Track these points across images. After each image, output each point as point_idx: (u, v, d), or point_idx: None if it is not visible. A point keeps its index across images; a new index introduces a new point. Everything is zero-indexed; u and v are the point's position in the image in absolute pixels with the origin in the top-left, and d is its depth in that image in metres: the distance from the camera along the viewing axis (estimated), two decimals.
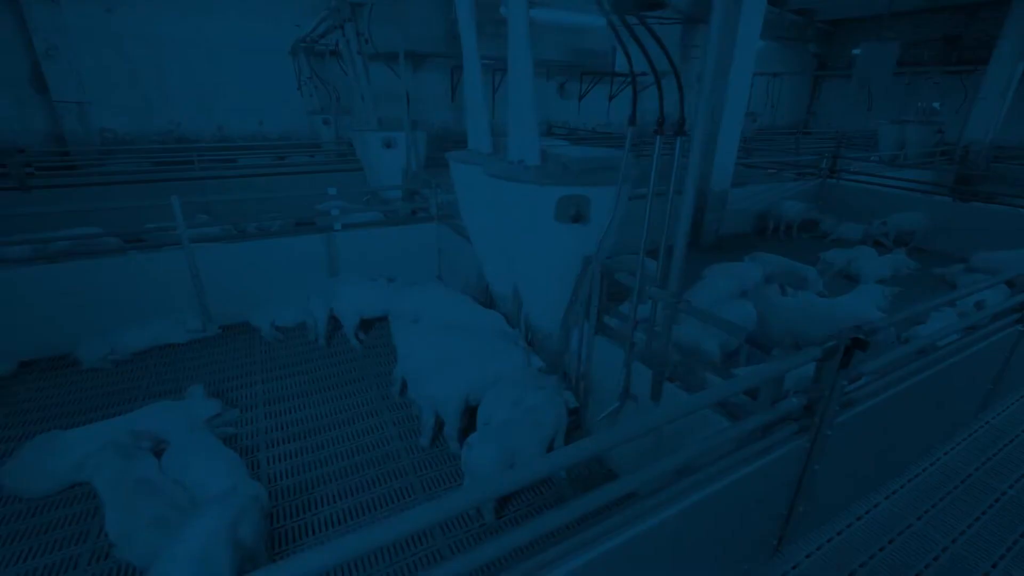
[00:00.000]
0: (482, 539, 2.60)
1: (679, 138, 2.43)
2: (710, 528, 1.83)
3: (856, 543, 2.32)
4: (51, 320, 4.15)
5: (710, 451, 1.75)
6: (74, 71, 9.48)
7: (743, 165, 10.01)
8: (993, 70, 10.16)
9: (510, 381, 3.07)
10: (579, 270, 3.17)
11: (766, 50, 18.34)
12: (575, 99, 15.80)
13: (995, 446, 3.18)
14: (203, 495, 2.63)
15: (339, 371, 4.17)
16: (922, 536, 2.38)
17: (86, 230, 4.79)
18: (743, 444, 1.91)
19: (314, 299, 4.49)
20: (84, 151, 9.27)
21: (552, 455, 1.39)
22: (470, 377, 3.10)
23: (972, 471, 3.04)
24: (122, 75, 10.10)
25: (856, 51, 16.44)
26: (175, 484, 2.68)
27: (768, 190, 8.09)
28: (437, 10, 12.34)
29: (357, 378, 4.06)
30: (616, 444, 1.45)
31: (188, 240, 4.34)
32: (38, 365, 4.11)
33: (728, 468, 1.78)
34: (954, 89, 13.29)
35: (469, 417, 3.13)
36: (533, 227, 3.04)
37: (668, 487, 1.64)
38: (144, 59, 10.19)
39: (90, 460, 2.76)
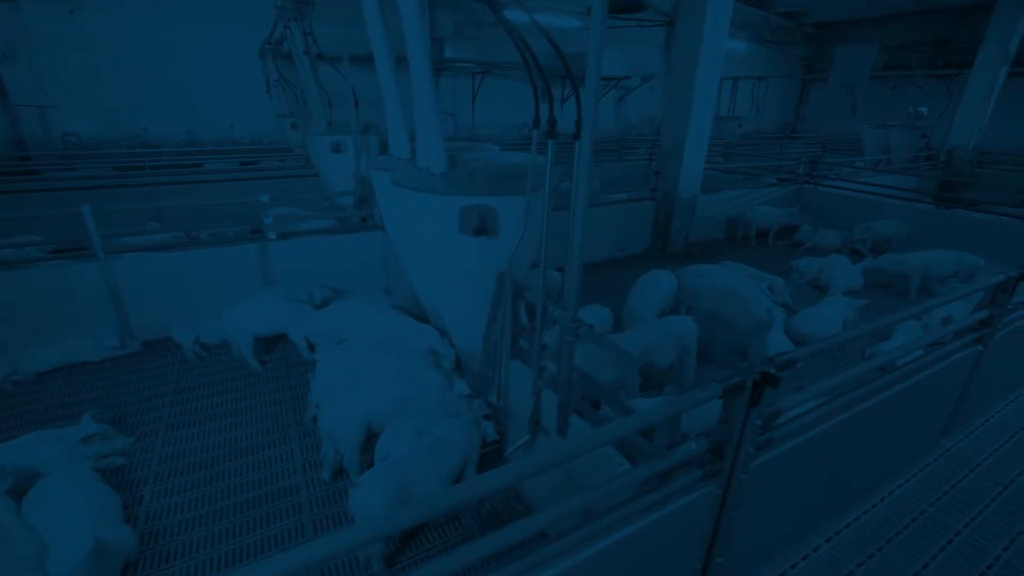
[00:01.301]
0: None
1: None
2: None
3: None
4: None
5: (616, 493, 1.55)
6: (35, 74, 9.23)
7: (722, 171, 9.78)
8: (977, 74, 9.95)
9: (418, 408, 2.79)
10: (495, 286, 2.90)
11: (752, 53, 18.18)
12: (557, 103, 15.61)
13: (953, 478, 2.91)
14: (59, 544, 2.33)
15: (257, 393, 3.87)
16: None
17: (27, 238, 4.53)
18: (645, 490, 1.67)
19: (226, 314, 4.19)
20: (45, 156, 9.00)
21: (436, 494, 1.22)
22: (373, 403, 2.82)
23: (926, 507, 2.75)
24: (86, 78, 9.83)
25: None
26: (29, 531, 2.38)
27: (743, 196, 7.84)
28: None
29: (275, 401, 3.77)
30: (500, 487, 1.29)
31: (103, 251, 4.07)
32: None
33: (632, 514, 1.59)
34: (940, 93, 13.11)
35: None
36: (439, 239, 2.77)
37: (575, 531, 1.48)
38: (110, 61, 9.93)
39: None
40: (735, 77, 15.38)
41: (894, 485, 2.93)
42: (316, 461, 3.13)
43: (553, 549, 1.40)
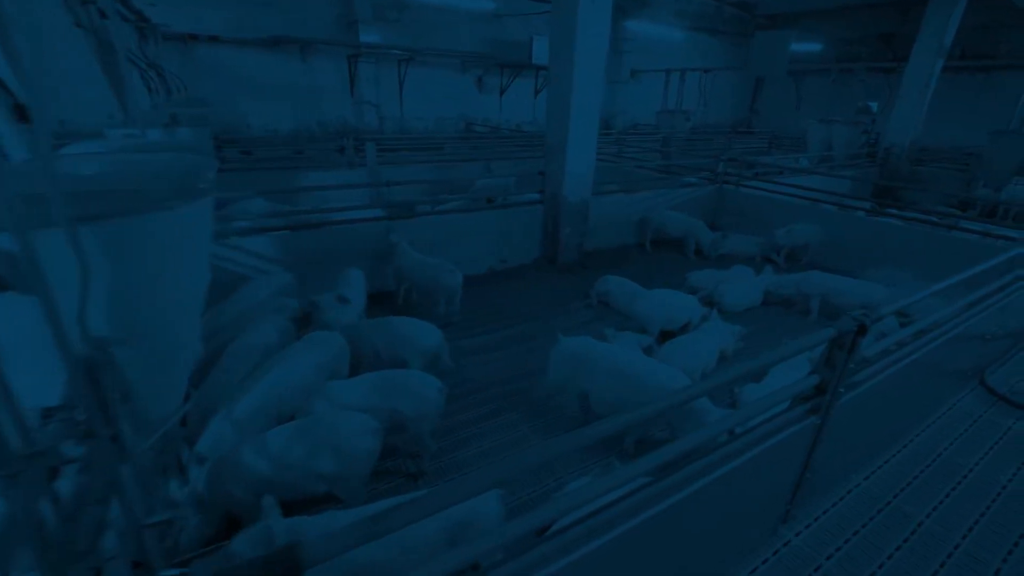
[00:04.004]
0: None
1: None
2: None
3: None
4: None
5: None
6: None
7: (640, 168, 9.06)
8: (913, 66, 9.42)
9: None
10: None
11: (703, 44, 17.57)
12: (496, 94, 14.69)
13: None
14: None
15: None
16: None
17: None
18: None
19: None
20: None
21: None
22: None
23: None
24: None
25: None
26: None
27: (652, 198, 7.11)
28: None
29: None
30: None
31: None
32: None
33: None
34: (883, 88, 12.67)
35: None
36: None
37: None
38: None
39: None
40: (682, 69, 14.71)
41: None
42: None
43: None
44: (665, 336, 4.19)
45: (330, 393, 2.74)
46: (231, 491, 2.18)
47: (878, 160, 10.13)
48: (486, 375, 3.85)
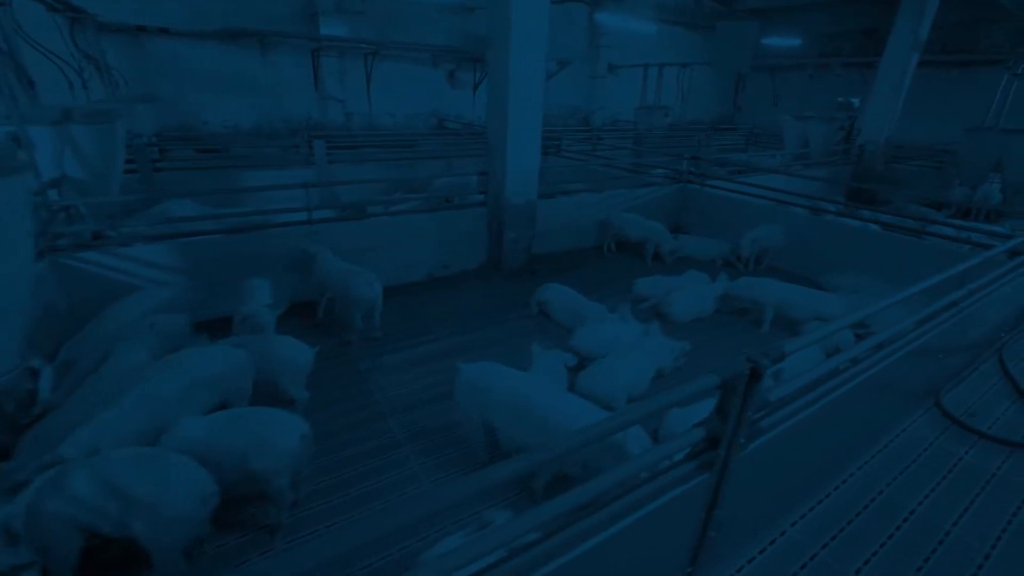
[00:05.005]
0: None
1: None
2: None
3: None
4: None
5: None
6: None
7: (607, 166, 8.71)
8: (887, 61, 9.11)
9: None
10: None
11: (680, 39, 17.21)
12: (469, 89, 14.27)
13: None
14: None
15: None
16: None
17: None
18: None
19: None
20: None
21: None
22: None
23: None
24: None
25: (765, 41, 15.50)
26: None
27: (613, 198, 6.75)
28: None
29: None
30: None
31: None
32: None
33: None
34: (860, 84, 12.40)
35: None
36: None
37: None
38: None
39: None
40: (660, 64, 14.35)
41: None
42: None
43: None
44: None
45: (181, 431, 2.37)
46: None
47: (852, 158, 9.83)
48: (396, 398, 3.48)
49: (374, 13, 11.88)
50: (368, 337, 4.14)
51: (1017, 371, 3.85)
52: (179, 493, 1.96)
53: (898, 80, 8.98)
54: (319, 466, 2.77)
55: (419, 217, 5.31)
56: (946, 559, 2.27)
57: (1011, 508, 2.63)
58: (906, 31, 8.71)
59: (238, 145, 9.81)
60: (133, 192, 5.83)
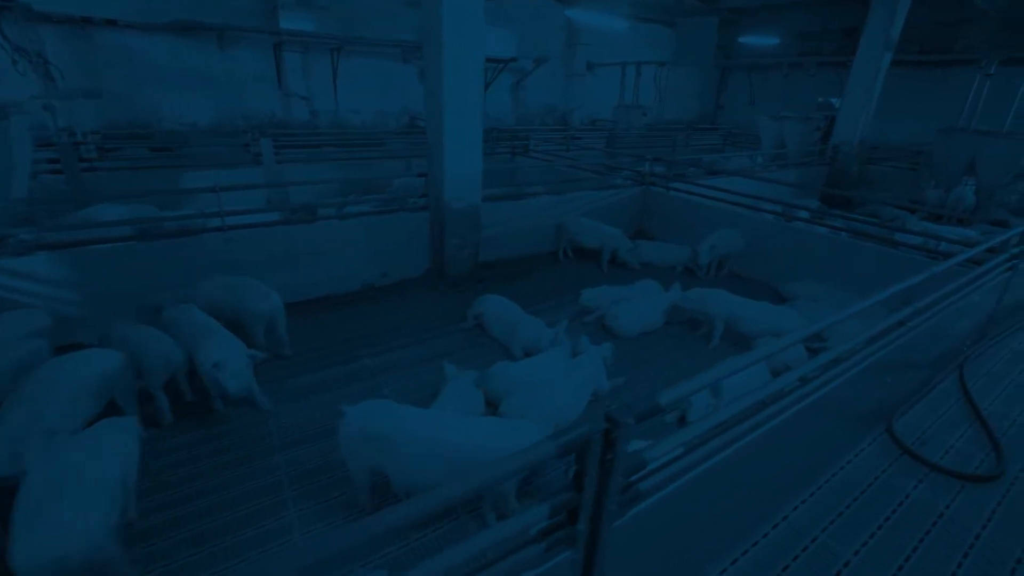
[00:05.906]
0: None
1: None
2: None
3: None
4: None
5: None
6: None
7: (572, 167, 8.39)
8: (860, 60, 8.89)
9: None
10: None
11: (661, 37, 16.93)
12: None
13: None
14: None
15: None
16: None
17: None
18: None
19: None
20: None
21: None
22: None
23: None
24: None
25: (743, 39, 15.27)
26: None
27: (572, 201, 6.43)
28: None
29: None
30: None
31: None
32: None
33: None
34: (834, 83, 12.19)
35: None
36: None
37: None
38: None
39: None
40: (637, 63, 14.05)
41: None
42: None
43: None
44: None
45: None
46: None
47: (827, 159, 9.60)
48: (291, 429, 3.12)
49: (339, 8, 11.45)
50: (277, 355, 3.78)
51: (976, 389, 3.57)
52: None
53: (871, 80, 8.75)
54: (181, 514, 2.41)
55: (354, 222, 4.96)
56: None
57: (959, 552, 2.34)
58: (877, 30, 8.48)
59: (191, 144, 9.36)
60: (40, 196, 5.39)
